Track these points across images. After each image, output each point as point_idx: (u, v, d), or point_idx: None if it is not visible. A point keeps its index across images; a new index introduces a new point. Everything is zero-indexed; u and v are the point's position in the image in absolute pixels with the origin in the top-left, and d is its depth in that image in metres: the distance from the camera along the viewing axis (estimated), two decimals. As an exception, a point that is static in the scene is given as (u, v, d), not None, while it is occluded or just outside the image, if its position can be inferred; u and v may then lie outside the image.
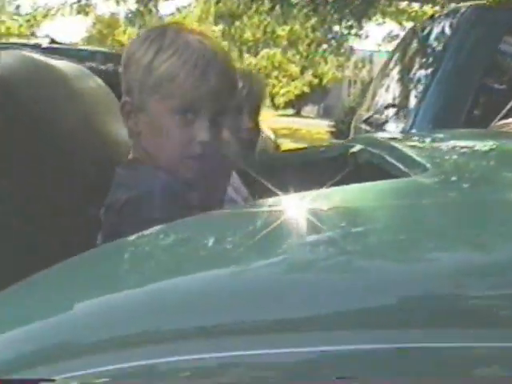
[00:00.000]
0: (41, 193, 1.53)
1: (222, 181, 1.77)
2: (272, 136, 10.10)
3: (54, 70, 1.82)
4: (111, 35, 28.10)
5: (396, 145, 1.65)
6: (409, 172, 1.35)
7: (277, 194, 1.24)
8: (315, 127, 24.14)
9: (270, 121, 25.31)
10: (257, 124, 2.33)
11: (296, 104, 35.05)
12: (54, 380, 0.80)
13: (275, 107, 31.33)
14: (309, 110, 37.30)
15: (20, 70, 1.66)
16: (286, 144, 17.57)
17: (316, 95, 33.90)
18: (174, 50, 1.48)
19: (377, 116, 5.21)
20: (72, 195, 1.59)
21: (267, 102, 30.43)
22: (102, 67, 7.90)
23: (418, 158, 1.39)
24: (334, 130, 21.05)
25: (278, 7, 12.22)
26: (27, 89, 1.61)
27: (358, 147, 1.82)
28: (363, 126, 5.29)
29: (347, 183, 1.20)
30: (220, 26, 16.58)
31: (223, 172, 1.78)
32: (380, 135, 2.26)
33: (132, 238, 1.04)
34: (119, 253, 1.05)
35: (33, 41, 7.62)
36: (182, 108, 1.49)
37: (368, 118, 5.32)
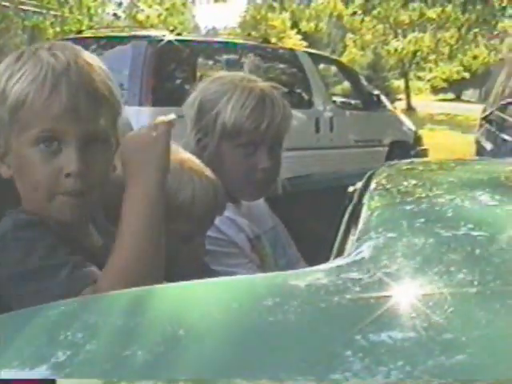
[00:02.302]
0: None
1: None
2: (412, 127, 9.71)
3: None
4: (264, 20, 28.15)
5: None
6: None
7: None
8: (475, 112, 23.17)
9: (428, 106, 24.76)
10: (276, 163, 1.92)
11: (456, 88, 33.86)
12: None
13: (434, 92, 30.41)
14: (469, 94, 35.93)
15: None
16: (442, 131, 17.03)
17: (477, 79, 32.57)
18: (24, 71, 1.29)
19: (498, 113, 4.74)
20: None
21: (425, 85, 29.63)
22: (234, 59, 7.85)
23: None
24: (492, 116, 20.07)
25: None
26: None
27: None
28: (484, 124, 4.84)
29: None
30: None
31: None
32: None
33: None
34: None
35: (155, 33, 7.57)
36: (42, 135, 1.28)
37: (489, 115, 4.85)
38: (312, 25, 22.36)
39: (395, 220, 1.18)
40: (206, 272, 1.65)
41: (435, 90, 31.68)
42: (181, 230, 1.54)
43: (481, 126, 5.12)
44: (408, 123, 9.71)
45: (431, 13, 15.16)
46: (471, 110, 24.60)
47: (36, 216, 1.30)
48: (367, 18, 20.08)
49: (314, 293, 0.90)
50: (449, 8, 13.70)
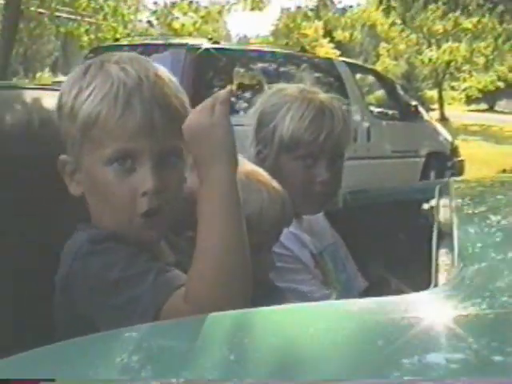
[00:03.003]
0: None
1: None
2: (449, 136, 9.63)
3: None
4: (297, 28, 28.15)
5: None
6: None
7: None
8: (508, 124, 23.00)
9: (461, 116, 24.60)
10: (336, 175, 1.87)
11: (489, 99, 33.58)
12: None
13: (463, 101, 30.20)
14: (503, 104, 35.61)
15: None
16: (476, 142, 16.90)
17: (511, 89, 32.30)
18: (94, 87, 1.25)
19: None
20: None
21: (459, 94, 29.44)
22: (272, 68, 7.82)
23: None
24: (528, 127, 19.90)
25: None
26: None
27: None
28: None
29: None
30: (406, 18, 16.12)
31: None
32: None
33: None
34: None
35: (192, 41, 7.58)
36: (116, 154, 1.24)
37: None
38: (347, 34, 22.29)
39: (492, 240, 1.14)
40: (271, 288, 1.62)
41: (468, 101, 31.43)
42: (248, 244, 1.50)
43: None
44: (445, 134, 9.64)
45: (467, 23, 15.04)
46: (505, 120, 24.43)
47: (109, 230, 1.27)
48: (400, 28, 20.03)
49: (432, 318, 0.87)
50: (485, 18, 13.59)
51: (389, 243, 2.14)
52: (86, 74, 1.28)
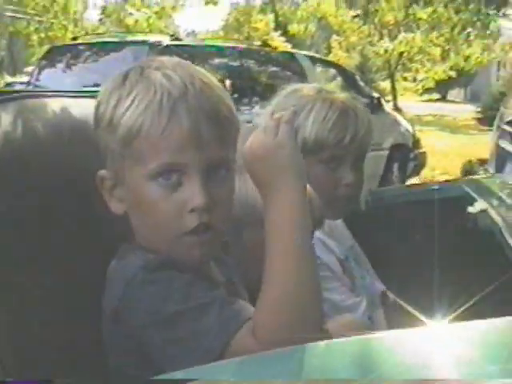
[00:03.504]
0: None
1: None
2: (410, 128, 9.65)
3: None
4: (247, 23, 28.08)
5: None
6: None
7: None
8: (461, 113, 23.29)
9: (413, 107, 24.77)
10: (360, 178, 1.84)
11: (441, 88, 33.94)
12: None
13: (419, 92, 30.46)
14: (455, 93, 36.08)
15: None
16: (430, 132, 17.03)
17: (462, 78, 32.70)
18: (135, 95, 1.17)
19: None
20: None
21: (411, 86, 29.71)
22: (234, 64, 7.74)
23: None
24: (481, 116, 20.15)
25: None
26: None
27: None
28: (507, 128, 4.75)
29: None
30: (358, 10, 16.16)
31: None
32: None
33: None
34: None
35: (153, 38, 7.47)
36: (161, 169, 1.16)
37: (512, 121, 4.77)
38: (302, 27, 22.29)
39: None
40: None
41: (423, 92, 31.74)
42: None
43: (501, 129, 5.03)
44: (406, 125, 9.65)
45: (421, 13, 15.14)
46: (457, 110, 24.72)
47: (164, 256, 1.18)
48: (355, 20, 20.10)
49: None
50: (440, 8, 13.68)
51: (405, 246, 2.10)
52: (125, 82, 1.19)
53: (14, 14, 14.88)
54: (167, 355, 1.09)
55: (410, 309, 1.78)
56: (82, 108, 1.37)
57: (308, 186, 1.52)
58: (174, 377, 0.86)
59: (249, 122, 1.92)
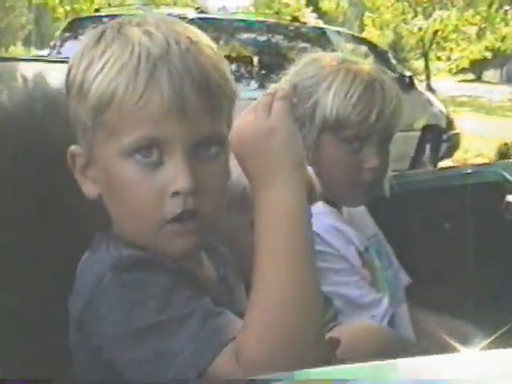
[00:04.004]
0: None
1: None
2: (443, 109, 9.43)
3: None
4: (278, -3, 27.88)
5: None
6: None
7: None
8: (497, 95, 22.95)
9: (447, 87, 24.49)
10: (385, 161, 1.65)
11: (476, 69, 33.48)
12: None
13: (453, 72, 30.08)
14: (490, 74, 35.54)
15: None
16: (464, 114, 16.78)
17: (498, 58, 32.20)
18: (109, 56, 0.98)
19: None
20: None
21: (447, 66, 29.33)
22: (262, 39, 7.58)
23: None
24: (517, 97, 19.84)
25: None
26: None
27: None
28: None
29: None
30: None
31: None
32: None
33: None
34: None
35: (177, 11, 7.33)
36: (138, 144, 0.97)
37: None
38: (333, 3, 22.02)
39: None
40: None
41: (457, 71, 31.33)
42: (243, 221, 1.26)
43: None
44: (440, 106, 9.43)
45: (457, -10, 14.82)
46: (492, 91, 24.35)
47: (141, 250, 0.99)
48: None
49: None
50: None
51: (434, 235, 1.93)
52: (99, 40, 1.00)
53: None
54: (142, 373, 0.90)
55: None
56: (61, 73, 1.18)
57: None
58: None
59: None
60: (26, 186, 1.15)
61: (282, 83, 1.65)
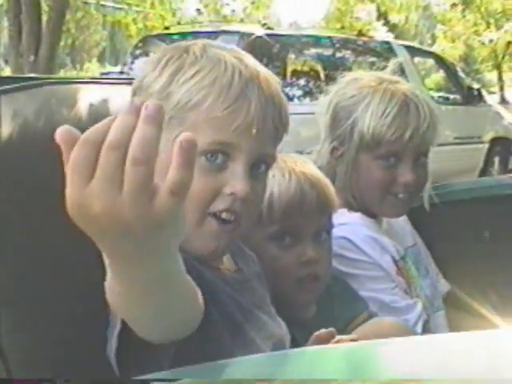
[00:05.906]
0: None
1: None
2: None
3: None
4: (350, 12, 27.82)
5: None
6: None
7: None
8: None
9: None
10: (421, 176, 1.75)
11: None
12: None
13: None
14: None
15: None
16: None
17: None
18: (200, 67, 1.10)
19: None
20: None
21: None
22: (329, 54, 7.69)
23: None
24: None
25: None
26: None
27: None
28: None
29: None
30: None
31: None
32: None
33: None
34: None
35: (245, 28, 7.49)
36: (209, 148, 1.09)
37: None
38: (402, 16, 21.94)
39: None
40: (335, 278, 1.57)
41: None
42: (267, 232, 1.43)
43: None
44: (510, 118, 9.38)
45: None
46: None
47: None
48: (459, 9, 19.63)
49: None
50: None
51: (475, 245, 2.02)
52: (187, 53, 1.12)
53: (113, 5, 15.23)
54: None
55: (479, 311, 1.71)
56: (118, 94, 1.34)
57: (318, 170, 1.48)
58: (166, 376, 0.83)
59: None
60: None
61: (322, 102, 1.80)
